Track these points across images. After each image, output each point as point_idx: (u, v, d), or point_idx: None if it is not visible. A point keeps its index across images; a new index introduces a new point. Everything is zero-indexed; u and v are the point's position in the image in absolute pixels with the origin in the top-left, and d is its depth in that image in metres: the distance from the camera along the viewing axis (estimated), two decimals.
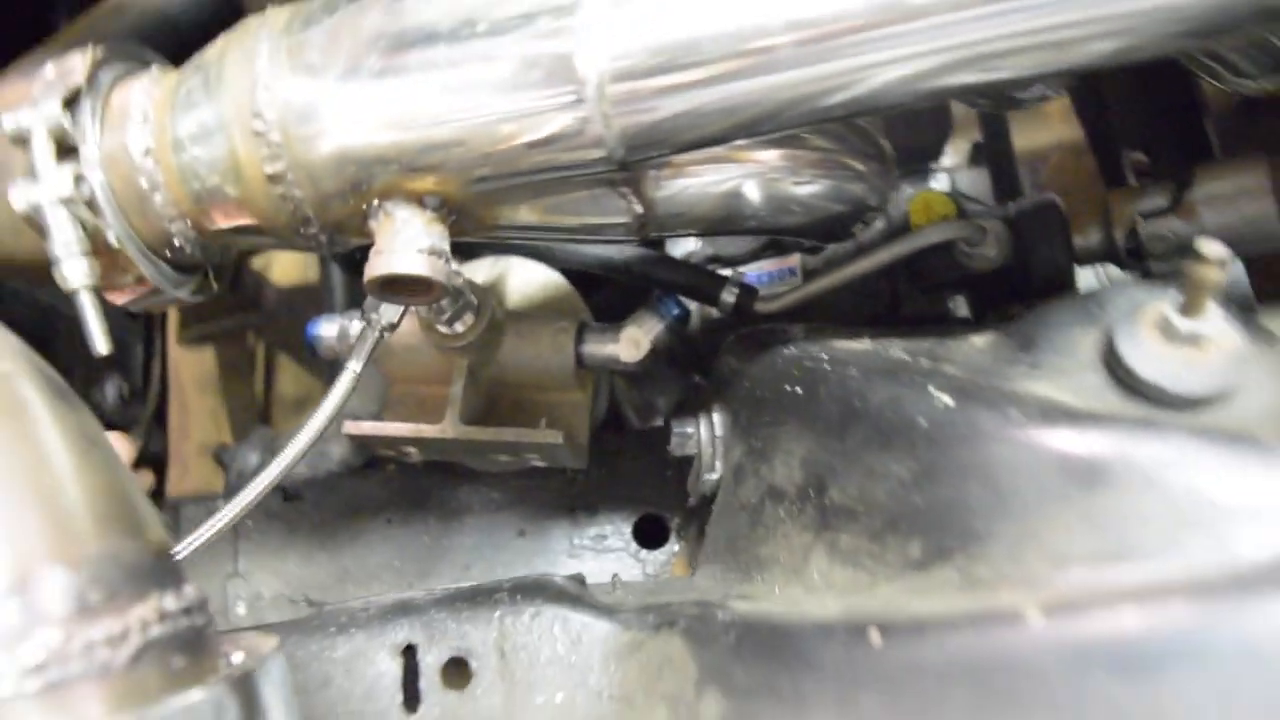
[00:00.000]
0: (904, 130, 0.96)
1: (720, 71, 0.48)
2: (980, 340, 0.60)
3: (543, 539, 0.84)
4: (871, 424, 0.52)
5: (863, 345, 0.60)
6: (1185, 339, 0.50)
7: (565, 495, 0.85)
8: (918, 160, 0.99)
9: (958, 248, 0.80)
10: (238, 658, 0.42)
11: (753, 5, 0.48)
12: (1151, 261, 0.83)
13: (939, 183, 0.87)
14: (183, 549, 0.57)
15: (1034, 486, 0.44)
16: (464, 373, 0.76)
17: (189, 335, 1.45)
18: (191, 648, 0.39)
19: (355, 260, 0.86)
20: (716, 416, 0.71)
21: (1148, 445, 0.44)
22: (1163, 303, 0.51)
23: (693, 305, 0.83)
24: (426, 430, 0.75)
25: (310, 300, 1.29)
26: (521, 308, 0.83)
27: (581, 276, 0.83)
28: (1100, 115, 0.99)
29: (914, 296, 0.84)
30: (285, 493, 0.88)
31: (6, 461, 0.38)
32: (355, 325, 0.81)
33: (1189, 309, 0.50)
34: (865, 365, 0.55)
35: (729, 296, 0.77)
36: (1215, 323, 0.50)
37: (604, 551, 0.83)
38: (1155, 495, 0.42)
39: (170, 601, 0.39)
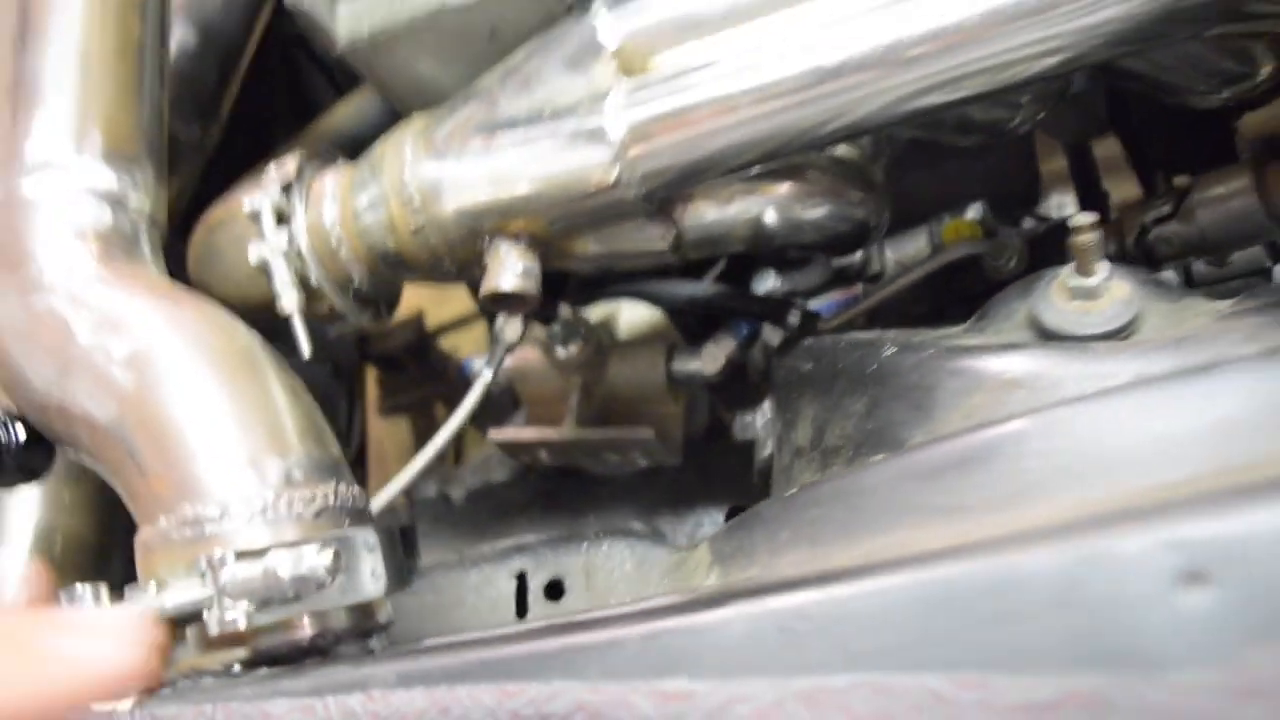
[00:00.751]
0: (999, 180, 1.12)
1: (712, 129, 0.68)
2: (961, 325, 0.76)
3: (651, 528, 1.02)
4: (844, 378, 0.69)
5: (862, 334, 0.77)
6: (1083, 293, 0.65)
7: (669, 493, 1.04)
8: (1019, 206, 1.15)
9: (985, 262, 0.96)
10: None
11: (734, 81, 0.68)
12: (1162, 263, 0.96)
13: (974, 212, 1.03)
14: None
15: (937, 399, 0.60)
16: (578, 387, 0.97)
17: (387, 406, 1.71)
18: (353, 515, 0.61)
19: None
20: (766, 405, 0.89)
21: (1009, 356, 0.60)
22: (1065, 270, 0.66)
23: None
24: (550, 434, 0.96)
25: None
26: (626, 337, 1.03)
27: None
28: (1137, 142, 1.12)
29: (953, 306, 1.00)
30: (448, 499, 1.10)
31: (250, 397, 0.61)
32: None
33: (1081, 270, 0.65)
34: (850, 341, 0.73)
35: (794, 319, 0.95)
36: (1106, 278, 0.65)
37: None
38: (999, 388, 0.57)
39: (342, 487, 0.61)
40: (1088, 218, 0.63)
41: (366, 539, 0.60)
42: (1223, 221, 0.92)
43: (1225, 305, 0.67)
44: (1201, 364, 0.51)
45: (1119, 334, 0.64)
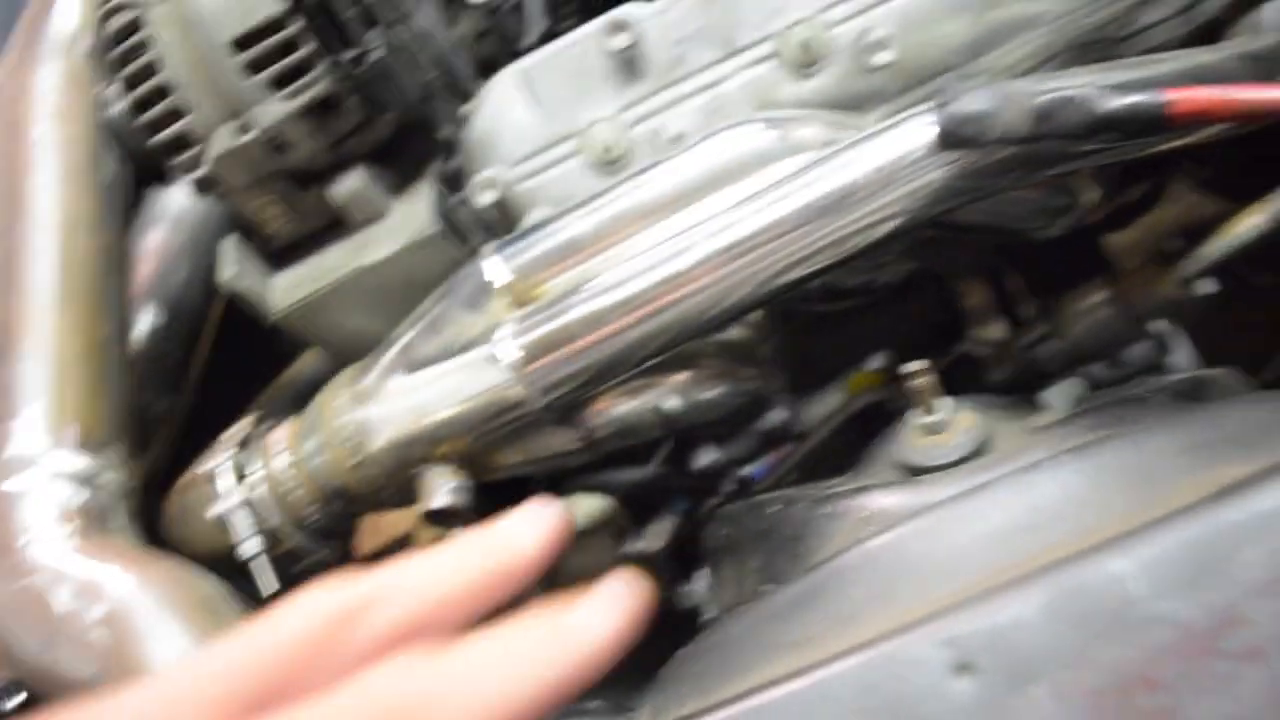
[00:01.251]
0: (914, 326, 1.21)
1: (592, 340, 0.78)
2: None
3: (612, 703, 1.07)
4: (747, 538, 0.77)
5: (766, 495, 0.85)
6: (932, 429, 0.73)
7: (626, 666, 1.09)
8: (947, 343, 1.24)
9: (889, 408, 1.05)
10: None
11: (606, 296, 0.79)
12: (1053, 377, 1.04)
13: (877, 362, 1.12)
14: None
15: (809, 545, 0.68)
16: (534, 585, 1.04)
17: None
18: None
19: None
20: (704, 571, 0.96)
21: (863, 495, 0.67)
22: (914, 411, 0.74)
23: None
24: None
25: None
26: (581, 525, 1.11)
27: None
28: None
29: None
30: None
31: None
32: None
33: (922, 410, 0.73)
34: (750, 503, 0.81)
35: (729, 487, 1.03)
36: (949, 411, 0.73)
37: None
38: (855, 525, 0.65)
39: None
40: (916, 365, 0.72)
41: None
42: (1095, 330, 1.01)
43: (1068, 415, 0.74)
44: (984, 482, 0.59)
45: (970, 459, 0.72)
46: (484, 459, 0.85)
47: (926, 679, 0.44)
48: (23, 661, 0.73)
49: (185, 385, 1.12)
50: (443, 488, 0.83)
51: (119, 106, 0.91)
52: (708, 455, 1.16)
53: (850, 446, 1.10)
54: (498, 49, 1.07)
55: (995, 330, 1.16)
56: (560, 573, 1.07)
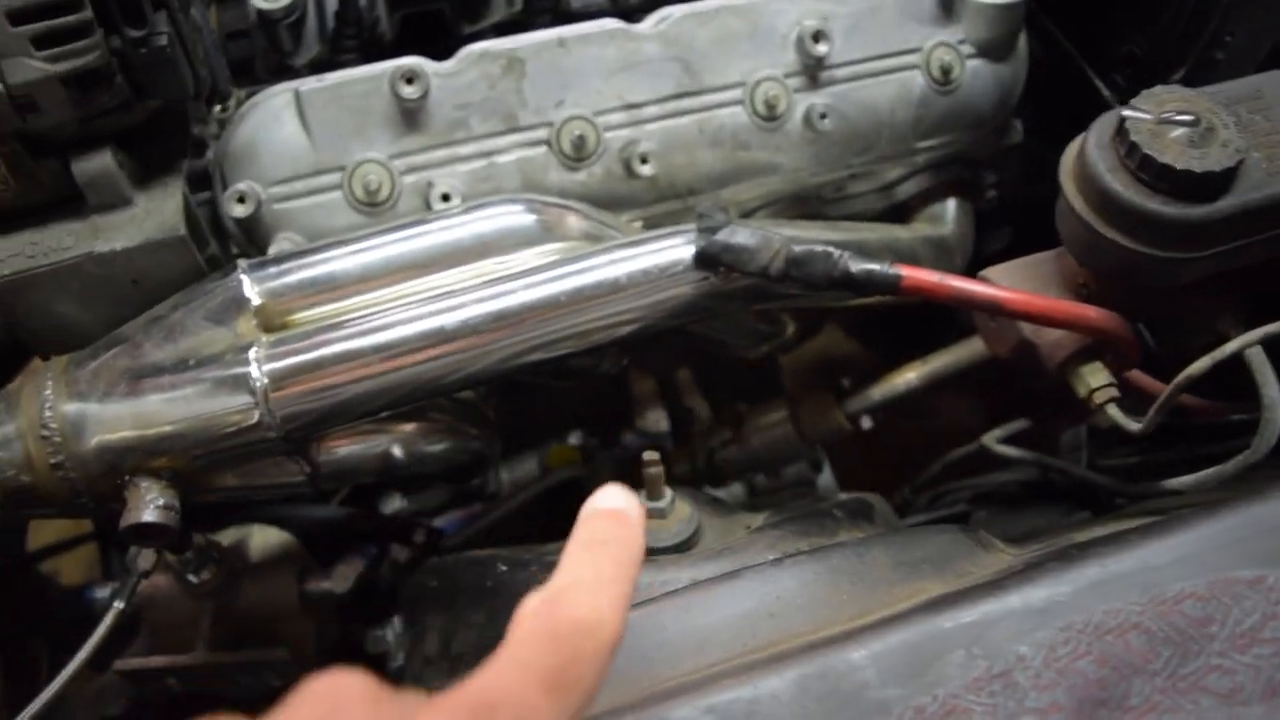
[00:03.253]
0: (597, 403, 1.29)
1: (345, 380, 0.79)
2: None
3: None
4: (466, 593, 0.80)
5: (479, 553, 0.88)
6: (656, 514, 0.81)
7: None
8: (616, 423, 1.32)
9: (584, 484, 1.12)
10: None
11: (365, 339, 0.80)
12: (727, 479, 1.17)
13: (575, 438, 1.19)
14: None
15: None
16: (209, 612, 0.99)
17: None
18: None
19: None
20: (397, 619, 0.97)
21: None
22: (642, 495, 0.82)
23: None
24: (182, 660, 0.97)
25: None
26: (258, 559, 1.07)
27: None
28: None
29: (560, 520, 1.14)
30: None
31: None
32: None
33: (651, 495, 0.81)
34: (468, 559, 0.84)
35: (419, 538, 1.05)
36: (671, 501, 0.81)
37: None
38: None
39: None
40: (653, 455, 0.80)
41: None
42: (770, 445, 1.15)
43: (760, 519, 0.85)
44: (729, 571, 0.67)
45: (684, 546, 0.80)
46: (200, 478, 0.81)
47: None
48: None
49: None
50: (154, 502, 0.78)
51: None
52: (394, 502, 1.17)
53: (539, 512, 1.16)
54: (260, 57, 1.05)
55: (656, 421, 1.27)
56: (238, 608, 1.03)
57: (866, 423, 1.13)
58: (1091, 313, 0.78)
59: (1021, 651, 0.54)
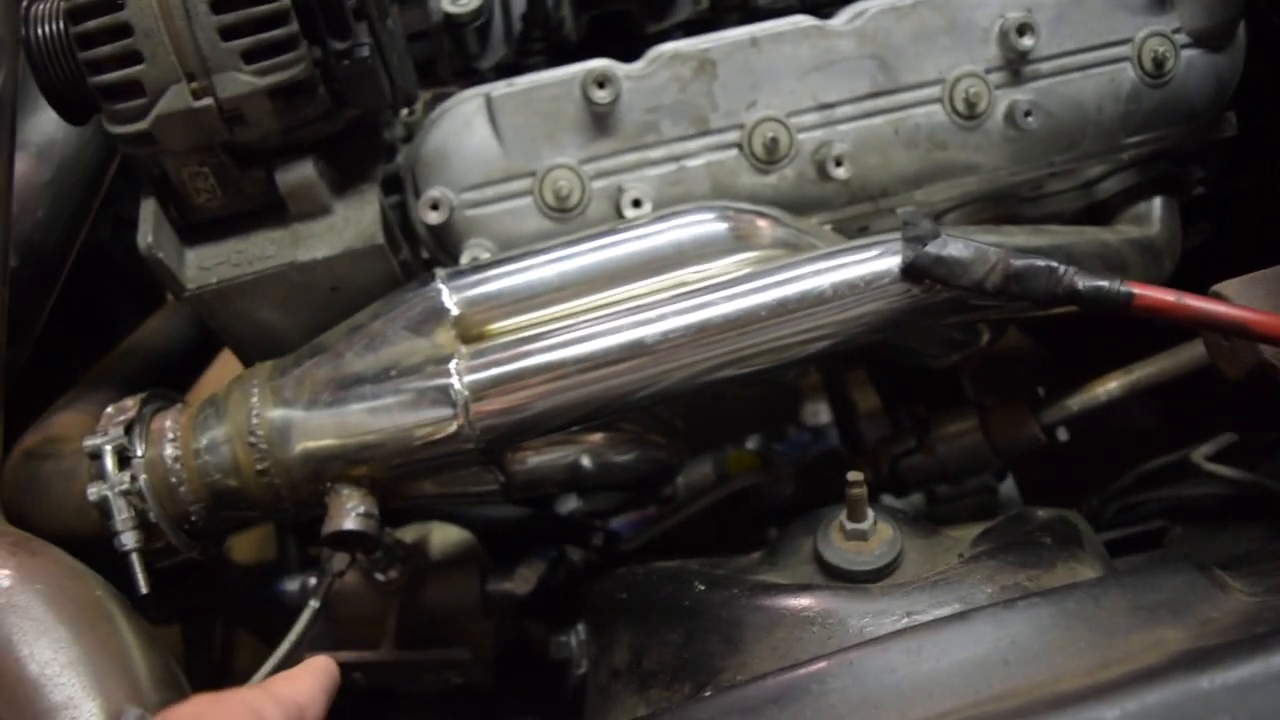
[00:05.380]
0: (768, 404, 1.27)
1: (545, 392, 0.78)
2: (755, 554, 0.88)
3: None
4: (659, 609, 0.78)
5: (669, 564, 0.87)
6: (856, 535, 0.78)
7: (479, 710, 1.08)
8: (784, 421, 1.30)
9: (764, 490, 1.10)
10: None
11: (565, 351, 0.79)
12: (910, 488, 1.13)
13: (753, 443, 1.17)
14: None
15: (745, 634, 0.70)
16: (395, 609, 1.01)
17: (157, 616, 1.65)
18: None
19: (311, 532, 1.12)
20: (581, 626, 0.97)
21: (804, 596, 0.71)
22: (841, 514, 0.79)
23: None
24: (369, 656, 0.99)
25: (263, 577, 1.52)
26: (439, 559, 1.09)
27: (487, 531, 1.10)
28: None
29: (736, 524, 1.12)
30: None
31: (105, 649, 0.63)
32: (311, 580, 1.06)
33: (852, 517, 0.78)
34: (661, 573, 0.82)
35: (597, 540, 1.04)
36: (873, 522, 0.78)
37: None
38: (797, 624, 0.68)
39: None
40: (856, 476, 0.77)
41: None
42: (958, 455, 1.10)
43: (966, 544, 0.81)
44: (954, 608, 0.64)
45: (886, 570, 0.77)
46: (397, 486, 0.82)
47: None
48: None
49: (30, 338, 1.01)
50: (354, 510, 0.79)
51: (51, 28, 0.82)
52: (569, 503, 1.17)
53: (713, 513, 1.14)
54: (444, 60, 1.05)
55: (815, 413, 1.24)
56: (421, 605, 1.05)
57: (1063, 434, 1.08)
58: None
59: None
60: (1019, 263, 0.75)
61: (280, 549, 1.39)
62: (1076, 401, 1.05)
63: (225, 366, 1.29)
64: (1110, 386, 1.04)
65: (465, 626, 1.03)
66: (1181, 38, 1.00)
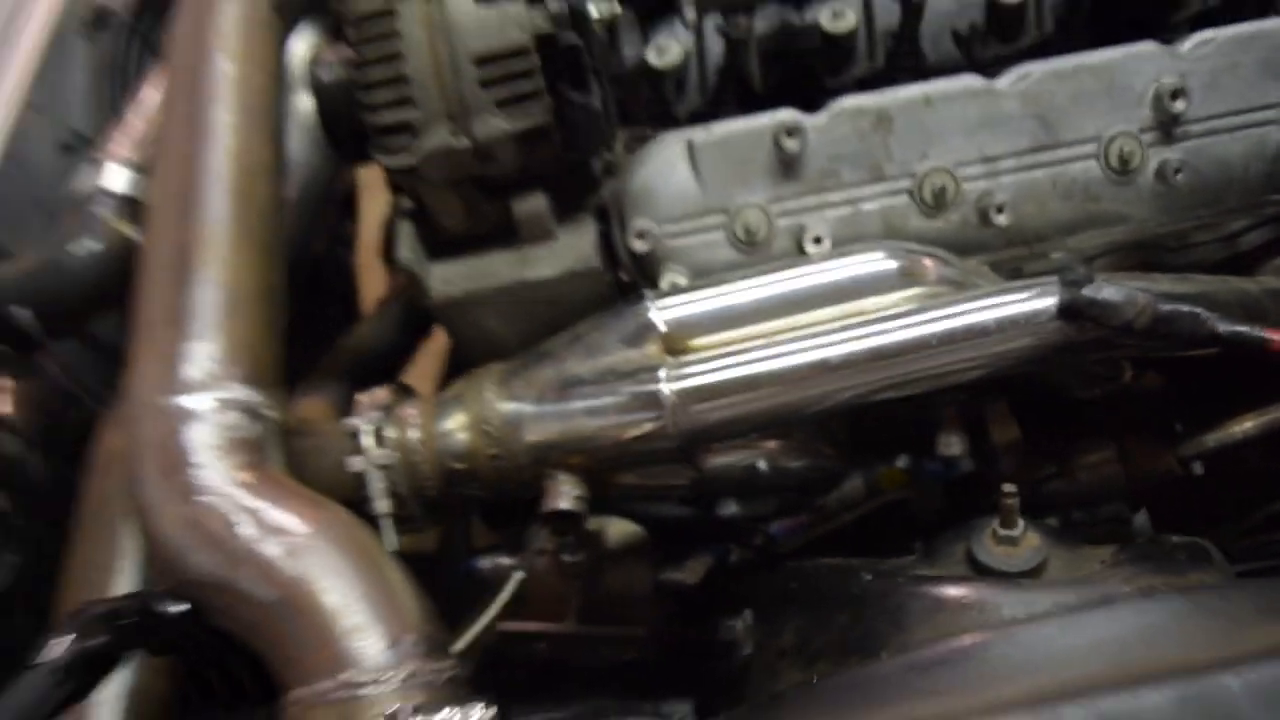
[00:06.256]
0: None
1: (741, 400, 0.91)
2: (910, 557, 0.98)
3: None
4: (828, 596, 0.90)
5: (834, 560, 0.98)
6: (1007, 541, 0.88)
7: (642, 685, 1.21)
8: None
9: (914, 505, 1.20)
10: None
11: (760, 366, 0.91)
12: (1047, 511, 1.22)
13: (902, 462, 1.28)
14: None
15: (910, 615, 0.81)
16: (579, 589, 1.14)
17: None
18: (464, 685, 0.77)
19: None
20: (748, 613, 1.08)
21: (963, 586, 0.82)
22: (993, 522, 0.89)
23: None
24: (557, 628, 1.13)
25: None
26: (616, 547, 1.22)
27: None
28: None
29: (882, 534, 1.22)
30: None
31: (382, 586, 0.78)
32: (502, 559, 1.21)
33: (1004, 524, 0.88)
34: (829, 566, 0.94)
35: (758, 541, 1.16)
36: (1022, 530, 0.88)
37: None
38: (958, 608, 0.79)
39: (453, 661, 0.78)
40: (1010, 488, 0.88)
41: (487, 704, 0.76)
42: (1097, 482, 1.19)
43: (1107, 555, 0.91)
44: (1097, 599, 0.74)
45: (1033, 573, 0.87)
46: (606, 476, 0.95)
47: None
48: (196, 574, 0.79)
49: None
50: (568, 494, 0.93)
51: (340, 73, 0.99)
52: (729, 507, 1.29)
53: (862, 527, 1.25)
54: (644, 105, 1.19)
55: (948, 445, 1.32)
56: (600, 587, 1.18)
57: (1198, 468, 1.15)
58: None
59: None
60: (1166, 307, 0.85)
61: (452, 539, 1.55)
62: (1214, 438, 1.13)
63: (423, 365, 1.46)
64: (1246, 425, 1.12)
65: (638, 610, 1.16)
66: None
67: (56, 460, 1.22)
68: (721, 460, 0.99)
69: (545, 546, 1.15)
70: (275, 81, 1.07)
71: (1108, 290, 0.87)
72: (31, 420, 1.23)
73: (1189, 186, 1.07)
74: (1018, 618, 0.75)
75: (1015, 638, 0.71)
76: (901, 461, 1.28)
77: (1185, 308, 0.84)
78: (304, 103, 1.24)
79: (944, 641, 0.73)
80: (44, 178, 1.27)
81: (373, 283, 1.74)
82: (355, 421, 0.96)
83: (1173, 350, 0.92)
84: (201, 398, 0.87)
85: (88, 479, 1.09)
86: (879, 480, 1.25)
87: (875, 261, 0.99)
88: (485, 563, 1.26)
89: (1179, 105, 1.05)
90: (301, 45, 1.25)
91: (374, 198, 1.58)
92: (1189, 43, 1.09)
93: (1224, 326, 0.83)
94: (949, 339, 0.91)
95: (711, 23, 1.15)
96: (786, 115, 1.05)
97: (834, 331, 0.93)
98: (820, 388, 0.91)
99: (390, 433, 0.96)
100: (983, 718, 0.60)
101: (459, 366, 1.04)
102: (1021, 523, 0.89)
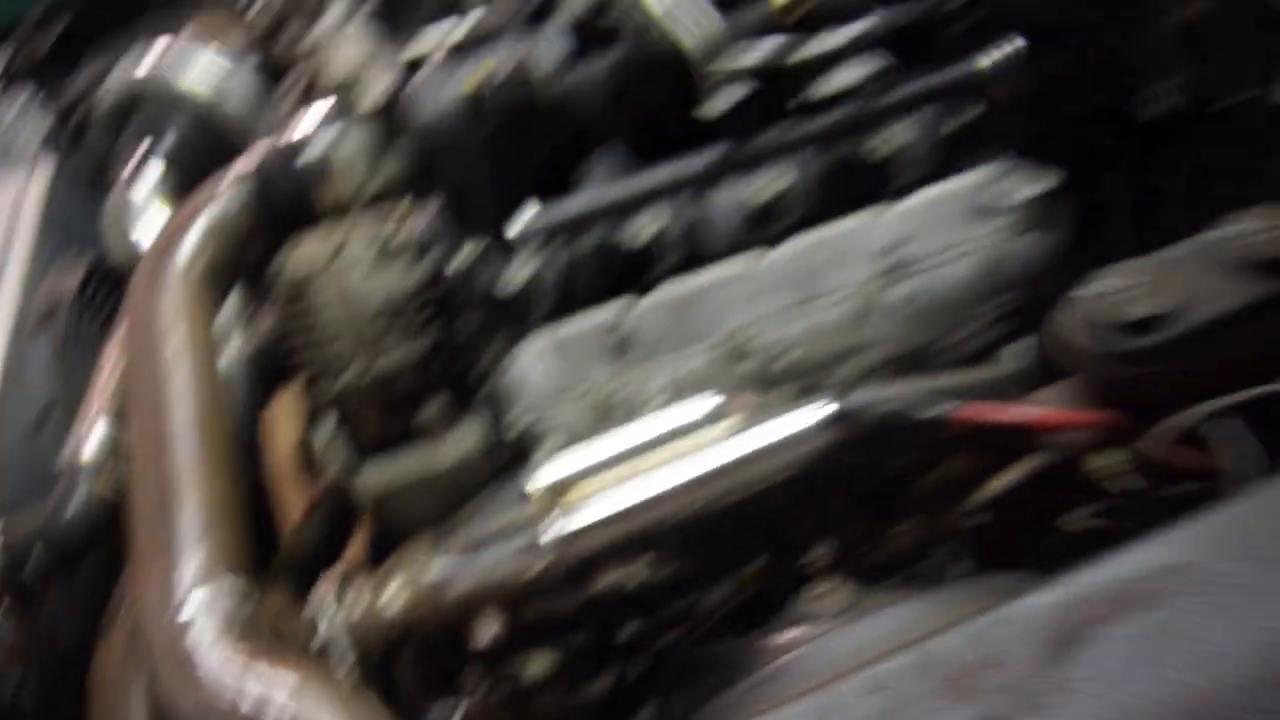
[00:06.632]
0: None
1: (607, 531, 1.20)
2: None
3: None
4: (697, 675, 1.18)
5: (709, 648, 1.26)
6: (820, 596, 1.18)
7: None
8: None
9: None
10: None
11: (615, 509, 1.21)
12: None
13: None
14: None
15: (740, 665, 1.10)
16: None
17: None
18: None
19: None
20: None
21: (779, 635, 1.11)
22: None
23: None
24: None
25: None
26: (534, 679, 1.47)
27: None
28: None
29: None
30: None
31: None
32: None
33: (819, 583, 1.18)
34: (698, 654, 1.23)
35: (651, 652, 1.44)
36: (833, 587, 1.18)
37: None
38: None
39: None
40: (820, 553, 1.18)
41: None
42: (912, 544, 1.50)
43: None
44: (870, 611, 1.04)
45: (842, 615, 1.17)
46: (519, 613, 1.23)
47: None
48: None
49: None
50: (488, 634, 1.20)
51: (268, 333, 1.29)
52: (630, 628, 1.57)
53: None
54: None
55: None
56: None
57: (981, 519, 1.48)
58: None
59: None
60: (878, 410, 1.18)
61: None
62: (976, 500, 1.46)
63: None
64: (1010, 477, 1.44)
65: None
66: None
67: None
68: (609, 581, 1.27)
69: (474, 686, 1.40)
70: (211, 343, 1.37)
71: (862, 396, 1.20)
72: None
73: (926, 308, 1.42)
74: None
75: (798, 657, 1.00)
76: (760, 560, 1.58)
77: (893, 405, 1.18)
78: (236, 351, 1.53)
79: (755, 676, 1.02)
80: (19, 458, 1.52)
81: (290, 494, 2.00)
82: (312, 610, 1.22)
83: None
84: (196, 601, 1.13)
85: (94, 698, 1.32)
86: (742, 582, 1.55)
87: (698, 407, 1.31)
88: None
89: (906, 249, 1.41)
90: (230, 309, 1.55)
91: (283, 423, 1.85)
92: (906, 203, 1.46)
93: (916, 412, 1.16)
94: (755, 457, 1.22)
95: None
96: (617, 308, 1.39)
97: (672, 464, 1.23)
98: (668, 509, 1.21)
99: (342, 614, 1.22)
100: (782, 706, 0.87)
101: (386, 548, 1.31)
102: (833, 582, 1.19)
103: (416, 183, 1.40)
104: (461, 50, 1.52)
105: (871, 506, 1.51)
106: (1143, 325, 1.09)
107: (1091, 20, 1.56)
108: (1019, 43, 1.50)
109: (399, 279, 1.25)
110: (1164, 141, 1.57)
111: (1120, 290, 1.12)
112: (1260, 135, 1.49)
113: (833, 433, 1.22)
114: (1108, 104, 1.57)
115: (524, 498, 1.25)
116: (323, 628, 1.20)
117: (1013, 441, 1.25)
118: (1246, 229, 1.16)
